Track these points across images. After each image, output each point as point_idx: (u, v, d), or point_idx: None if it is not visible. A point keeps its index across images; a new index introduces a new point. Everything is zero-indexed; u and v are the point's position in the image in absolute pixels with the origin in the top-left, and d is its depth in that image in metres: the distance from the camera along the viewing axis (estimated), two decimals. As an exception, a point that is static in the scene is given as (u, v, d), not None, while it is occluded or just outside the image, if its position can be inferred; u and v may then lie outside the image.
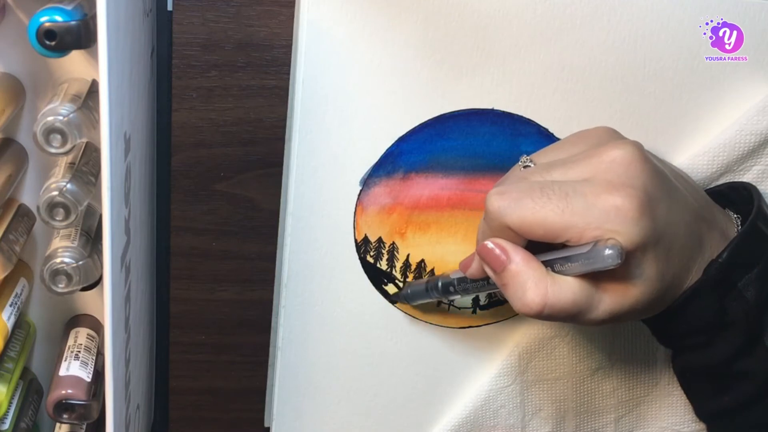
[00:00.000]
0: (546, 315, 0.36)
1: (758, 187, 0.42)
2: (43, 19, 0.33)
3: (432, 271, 0.47)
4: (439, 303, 0.47)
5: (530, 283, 0.36)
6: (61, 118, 0.36)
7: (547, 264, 0.36)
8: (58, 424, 0.45)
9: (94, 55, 0.41)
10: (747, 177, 0.44)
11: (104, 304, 0.36)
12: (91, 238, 0.41)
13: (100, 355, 0.45)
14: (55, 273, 0.39)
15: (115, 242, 0.36)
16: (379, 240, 0.46)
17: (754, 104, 0.44)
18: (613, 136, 0.39)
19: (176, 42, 0.43)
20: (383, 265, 0.46)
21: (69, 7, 0.34)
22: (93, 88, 0.40)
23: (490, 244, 0.37)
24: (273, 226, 0.47)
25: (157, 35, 0.45)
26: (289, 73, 0.44)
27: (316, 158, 0.44)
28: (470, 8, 0.41)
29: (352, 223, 0.45)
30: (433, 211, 0.45)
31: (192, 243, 0.47)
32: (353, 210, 0.45)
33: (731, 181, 0.44)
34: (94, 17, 0.32)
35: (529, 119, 0.44)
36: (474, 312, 0.48)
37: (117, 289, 0.38)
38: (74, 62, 0.41)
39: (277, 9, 0.43)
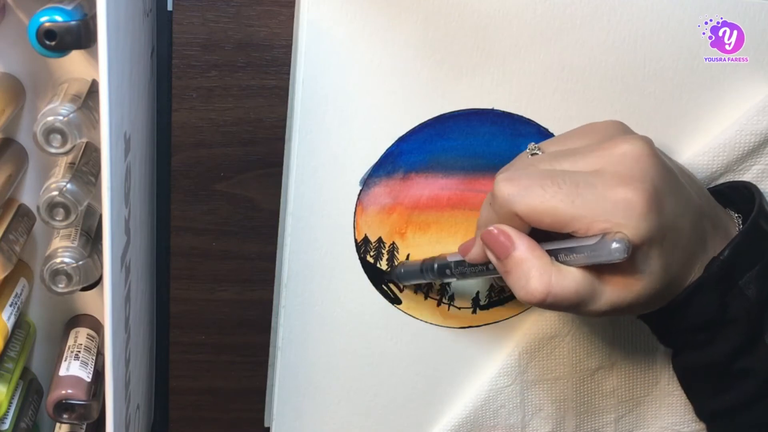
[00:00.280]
0: (548, 304, 0.36)
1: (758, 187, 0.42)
2: (43, 19, 0.33)
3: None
4: (439, 303, 0.47)
5: (534, 271, 0.36)
6: (61, 118, 0.36)
7: (551, 253, 0.36)
8: (58, 424, 0.45)
9: (94, 55, 0.41)
10: (747, 177, 0.44)
11: (104, 304, 0.36)
12: (91, 238, 0.41)
13: (100, 355, 0.45)
14: (55, 273, 0.39)
15: (115, 242, 0.36)
16: (379, 240, 0.46)
17: (754, 104, 0.44)
18: (622, 130, 0.39)
19: (176, 42, 0.43)
20: (383, 265, 0.46)
21: (69, 7, 0.34)
22: (93, 88, 0.40)
23: (495, 230, 0.37)
24: (273, 226, 0.47)
25: (157, 35, 0.45)
26: (289, 73, 0.44)
27: (316, 158, 0.44)
28: (470, 8, 0.41)
29: (352, 223, 0.45)
30: (433, 211, 0.45)
31: (192, 243, 0.47)
32: (353, 210, 0.45)
33: (731, 180, 0.44)
34: (94, 17, 0.32)
35: (529, 119, 0.44)
36: (474, 312, 0.48)
37: (117, 289, 0.38)
38: (74, 62, 0.41)
39: (277, 9, 0.43)
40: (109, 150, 0.34)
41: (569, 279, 0.35)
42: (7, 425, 0.42)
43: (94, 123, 0.38)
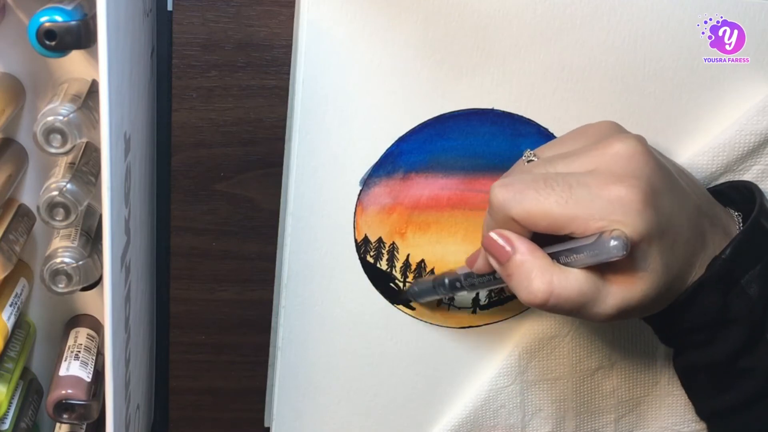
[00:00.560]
0: (552, 305, 0.35)
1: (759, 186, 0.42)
2: (43, 19, 0.33)
3: (432, 270, 0.47)
4: (440, 302, 0.47)
5: (535, 272, 0.35)
6: (61, 118, 0.36)
7: (553, 256, 0.36)
8: (58, 424, 0.44)
9: (94, 55, 0.41)
10: (747, 176, 0.44)
11: (104, 304, 0.36)
12: (91, 238, 0.41)
13: (100, 355, 0.45)
14: (55, 273, 0.39)
15: (115, 242, 0.36)
16: (379, 240, 0.46)
17: (754, 104, 0.44)
18: (616, 130, 0.39)
19: (176, 42, 0.43)
20: (383, 265, 0.46)
21: (69, 7, 0.34)
22: (93, 88, 0.40)
23: (494, 235, 0.37)
24: (273, 226, 0.47)
25: (157, 35, 0.45)
26: (289, 73, 0.44)
27: (316, 158, 0.44)
28: (470, 8, 0.41)
29: (352, 223, 0.45)
30: (433, 211, 0.45)
31: (192, 243, 0.47)
32: (353, 210, 0.45)
33: (732, 180, 0.44)
34: (94, 17, 0.32)
35: (529, 119, 0.44)
36: (474, 312, 0.48)
37: (117, 289, 0.38)
38: (74, 62, 0.41)
39: (277, 9, 0.43)
40: (109, 150, 0.34)
41: (571, 279, 0.35)
42: (7, 425, 0.42)
43: (94, 123, 0.38)
